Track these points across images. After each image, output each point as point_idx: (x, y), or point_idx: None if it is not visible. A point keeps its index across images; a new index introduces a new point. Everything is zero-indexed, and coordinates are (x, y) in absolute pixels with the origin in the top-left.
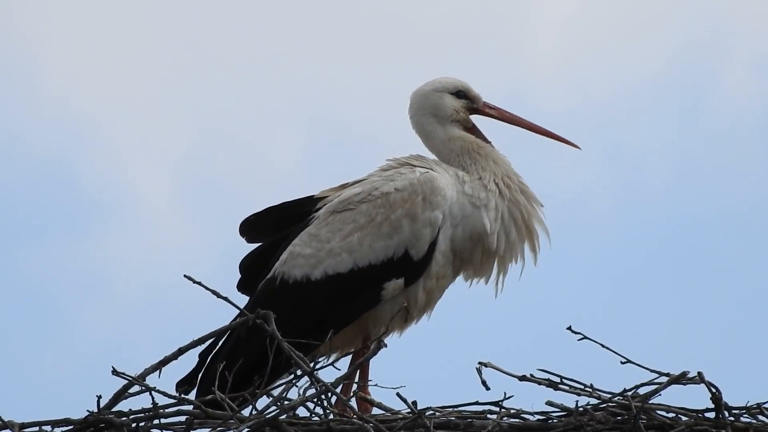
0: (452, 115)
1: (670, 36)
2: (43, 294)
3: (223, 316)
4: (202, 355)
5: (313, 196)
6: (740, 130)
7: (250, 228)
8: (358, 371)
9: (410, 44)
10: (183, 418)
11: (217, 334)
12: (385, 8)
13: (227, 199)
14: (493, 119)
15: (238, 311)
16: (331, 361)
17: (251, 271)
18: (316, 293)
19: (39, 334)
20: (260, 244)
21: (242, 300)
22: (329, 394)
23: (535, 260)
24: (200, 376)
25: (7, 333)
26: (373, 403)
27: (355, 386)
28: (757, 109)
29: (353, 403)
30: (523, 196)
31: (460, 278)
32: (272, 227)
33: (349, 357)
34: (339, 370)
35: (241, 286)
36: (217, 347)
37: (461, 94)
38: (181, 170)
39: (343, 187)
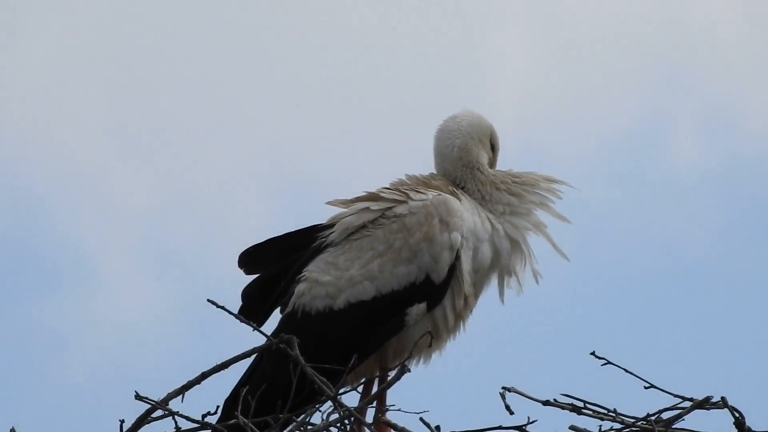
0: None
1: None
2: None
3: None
4: None
5: (317, 225)
6: (688, 192)
7: (249, 259)
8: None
9: (366, 111)
10: None
11: (240, 359)
12: (343, 74)
13: (188, 265)
14: None
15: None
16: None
17: (253, 300)
18: (339, 323)
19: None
20: (259, 275)
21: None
22: (352, 419)
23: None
24: (224, 400)
25: None
26: (396, 428)
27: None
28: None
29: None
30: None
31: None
32: (274, 258)
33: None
34: None
35: (244, 314)
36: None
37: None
38: (140, 238)
39: (357, 200)
